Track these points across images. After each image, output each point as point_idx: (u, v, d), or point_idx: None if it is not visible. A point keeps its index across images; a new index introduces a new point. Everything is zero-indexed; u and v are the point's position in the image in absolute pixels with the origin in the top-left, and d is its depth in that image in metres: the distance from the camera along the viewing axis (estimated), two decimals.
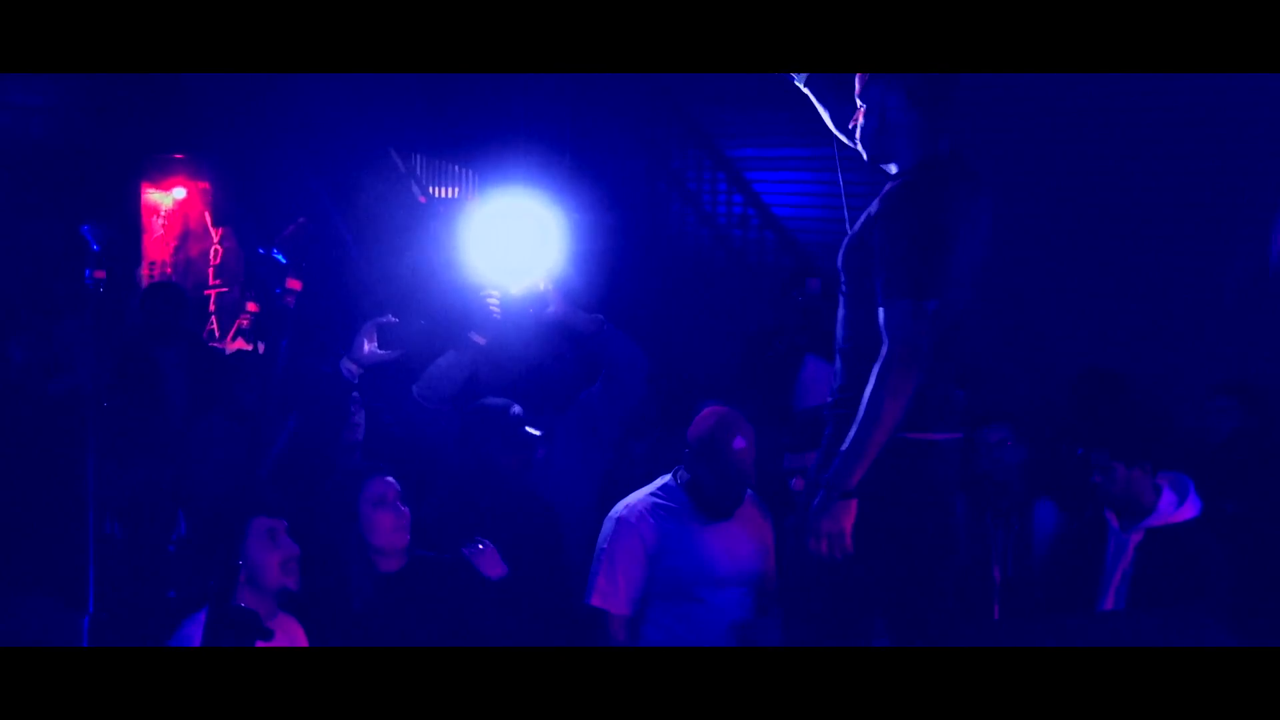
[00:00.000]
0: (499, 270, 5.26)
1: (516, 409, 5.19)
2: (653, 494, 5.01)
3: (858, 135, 4.06)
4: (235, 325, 9.76)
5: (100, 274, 4.07)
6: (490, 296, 5.27)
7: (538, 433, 5.23)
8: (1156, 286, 7.47)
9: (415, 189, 9.68)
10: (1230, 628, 4.84)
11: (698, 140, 9.92)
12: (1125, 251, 7.52)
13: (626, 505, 4.98)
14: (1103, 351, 7.18)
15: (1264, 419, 6.54)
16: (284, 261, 4.29)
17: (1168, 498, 5.33)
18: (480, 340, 5.33)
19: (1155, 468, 5.32)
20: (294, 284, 4.27)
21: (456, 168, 10.01)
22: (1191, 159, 7.40)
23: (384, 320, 5.07)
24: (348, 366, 5.03)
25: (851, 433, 3.75)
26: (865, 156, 4.09)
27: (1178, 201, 7.45)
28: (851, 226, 4.03)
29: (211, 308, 10.19)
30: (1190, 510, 5.31)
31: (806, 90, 4.41)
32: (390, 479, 4.65)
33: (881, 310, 3.77)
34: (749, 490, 5.07)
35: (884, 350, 3.73)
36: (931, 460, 3.91)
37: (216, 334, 10.08)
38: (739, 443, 4.90)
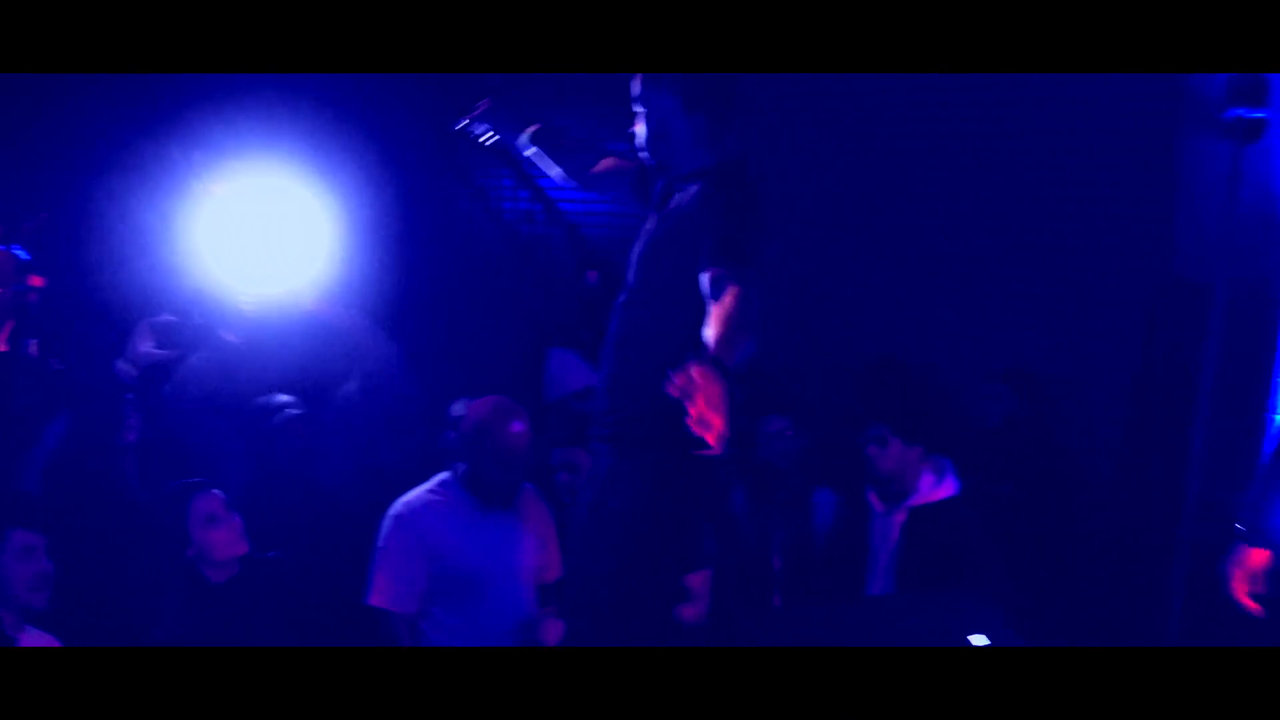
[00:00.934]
0: (253, 265, 5.14)
1: (281, 398, 5.14)
2: (431, 490, 4.97)
3: (637, 141, 4.02)
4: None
5: None
6: (242, 293, 5.16)
7: (298, 411, 5.17)
8: (937, 277, 7.61)
9: (198, 182, 9.44)
10: (1000, 608, 4.96)
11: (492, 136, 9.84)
12: (905, 243, 7.66)
13: (404, 502, 4.94)
14: (886, 341, 7.29)
15: (1035, 406, 6.73)
16: (25, 258, 4.16)
17: (927, 477, 5.42)
18: (232, 339, 5.21)
19: (928, 451, 5.42)
20: (36, 280, 4.14)
21: (239, 160, 9.79)
22: (975, 155, 7.54)
23: (160, 319, 4.94)
24: (123, 368, 4.90)
25: None
26: (648, 163, 4.07)
27: (958, 195, 7.60)
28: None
29: None
30: (947, 489, 5.42)
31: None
32: (215, 491, 4.60)
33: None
34: (528, 484, 5.06)
35: None
36: (713, 471, 3.91)
37: None
38: (516, 426, 4.90)
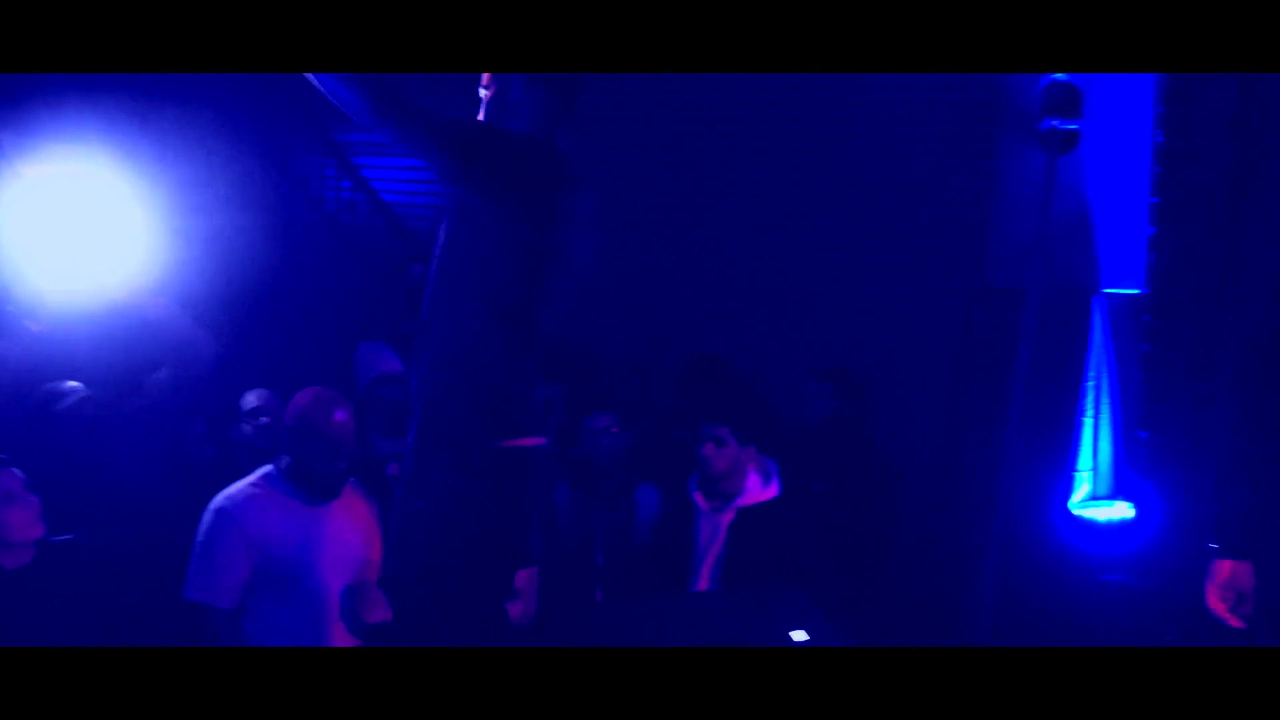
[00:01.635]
0: (61, 254, 4.99)
1: (72, 384, 5.02)
2: (253, 483, 4.89)
3: (481, 109, 3.97)
4: None
5: None
6: (49, 282, 5.00)
7: (85, 394, 5.07)
8: (759, 276, 7.69)
9: (6, 166, 9.18)
10: (822, 605, 5.05)
11: (306, 124, 9.73)
12: (728, 241, 7.73)
13: (226, 495, 4.85)
14: (707, 340, 7.36)
15: (857, 405, 6.85)
16: None
17: (754, 478, 5.50)
18: (37, 328, 5.06)
19: (758, 450, 5.50)
20: None
21: (50, 145, 9.54)
22: (801, 156, 7.63)
23: None
24: None
25: None
26: None
27: (783, 194, 7.69)
28: None
29: None
30: (773, 490, 5.50)
31: None
32: (15, 470, 4.47)
33: None
34: (351, 477, 5.01)
35: None
36: (525, 465, 3.89)
37: None
38: (339, 415, 4.86)
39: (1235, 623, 3.74)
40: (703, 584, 5.38)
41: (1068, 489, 5.60)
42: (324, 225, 9.69)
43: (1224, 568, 3.73)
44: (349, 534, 4.94)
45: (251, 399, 5.98)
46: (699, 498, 5.48)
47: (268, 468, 4.95)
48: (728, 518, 5.38)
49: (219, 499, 4.84)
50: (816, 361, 7.06)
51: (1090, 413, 5.79)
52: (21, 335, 5.11)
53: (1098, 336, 5.84)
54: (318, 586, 4.81)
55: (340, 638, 4.82)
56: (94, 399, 5.16)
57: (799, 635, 4.92)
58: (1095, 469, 5.85)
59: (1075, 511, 5.62)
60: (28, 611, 4.39)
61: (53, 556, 4.54)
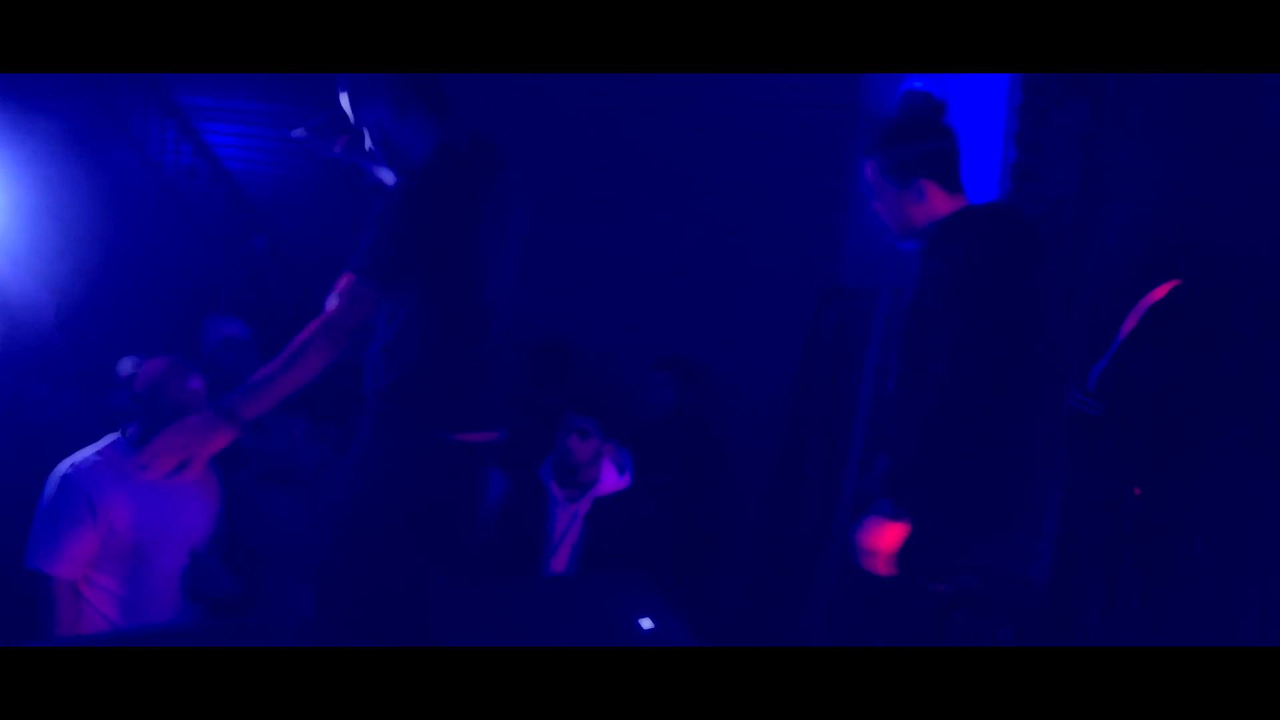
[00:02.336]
0: None
1: None
2: (99, 451, 4.78)
3: (373, 160, 3.99)
4: None
5: None
6: None
7: None
8: (608, 267, 7.71)
9: None
10: (667, 593, 5.11)
11: (147, 84, 9.50)
12: (581, 232, 7.72)
13: (71, 463, 4.73)
14: (553, 328, 7.36)
15: (699, 394, 6.92)
16: None
17: (609, 470, 5.56)
18: None
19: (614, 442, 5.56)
20: None
21: None
22: (658, 147, 7.65)
23: None
24: None
25: (266, 369, 3.71)
26: (391, 175, 4.03)
27: (635, 189, 7.70)
28: None
29: None
30: (627, 480, 5.57)
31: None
32: None
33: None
34: None
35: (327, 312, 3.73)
36: (475, 459, 3.90)
37: None
38: (192, 383, 4.80)
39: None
40: (560, 568, 5.41)
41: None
42: (162, 190, 9.46)
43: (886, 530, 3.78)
44: (194, 505, 4.86)
45: (126, 365, 5.84)
46: (554, 486, 5.51)
47: (114, 435, 4.84)
48: (584, 507, 5.41)
49: (65, 465, 4.72)
50: (660, 351, 7.11)
51: None
52: None
53: None
54: (161, 558, 4.73)
55: (180, 611, 4.76)
56: None
57: (647, 623, 4.99)
58: None
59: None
60: None
61: None
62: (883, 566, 3.77)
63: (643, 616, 5.00)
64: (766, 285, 7.17)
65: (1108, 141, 5.63)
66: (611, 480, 5.53)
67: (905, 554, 3.74)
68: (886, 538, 3.75)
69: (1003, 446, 3.69)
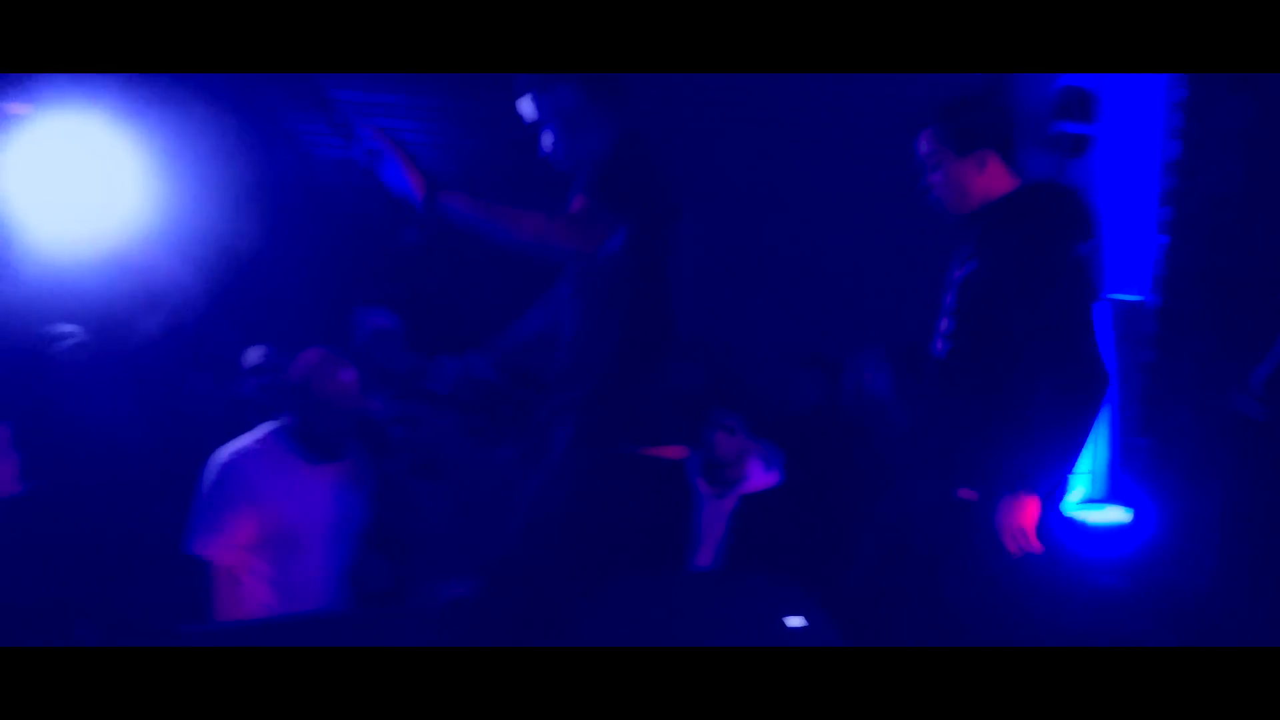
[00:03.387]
0: (55, 198, 4.93)
1: (67, 327, 5.01)
2: (258, 440, 4.86)
3: (551, 155, 3.94)
4: None
5: None
6: (42, 226, 4.94)
7: (82, 339, 5.05)
8: (751, 261, 7.68)
9: None
10: (809, 590, 5.07)
11: (300, 80, 9.63)
12: (723, 227, 7.69)
13: (231, 450, 4.82)
14: (699, 323, 7.33)
15: (844, 393, 6.85)
16: None
17: (756, 467, 5.52)
18: (32, 271, 5.00)
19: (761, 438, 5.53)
20: None
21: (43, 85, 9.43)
22: (791, 149, 7.61)
23: None
24: None
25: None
26: (565, 169, 3.97)
27: (779, 187, 7.67)
28: None
29: None
30: (775, 477, 5.53)
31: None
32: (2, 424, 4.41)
33: None
34: (353, 437, 5.01)
35: None
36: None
37: None
38: (345, 375, 4.86)
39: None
40: (706, 563, 5.40)
41: (1063, 491, 5.61)
42: (314, 184, 9.59)
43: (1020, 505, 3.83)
44: (348, 494, 4.94)
45: (253, 355, 5.94)
46: (701, 483, 5.49)
47: (273, 424, 4.92)
48: (730, 504, 5.39)
49: (224, 453, 4.81)
50: (805, 349, 7.05)
51: None
52: (19, 279, 5.06)
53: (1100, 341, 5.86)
54: (316, 546, 4.81)
55: (336, 597, 4.82)
56: (89, 343, 5.13)
57: (795, 621, 4.95)
58: (1091, 473, 5.87)
59: (1069, 514, 5.65)
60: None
61: (20, 506, 4.49)
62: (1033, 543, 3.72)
63: (790, 615, 4.98)
64: (913, 281, 7.08)
65: (1271, 139, 5.50)
66: (759, 477, 5.50)
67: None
68: (1028, 513, 3.72)
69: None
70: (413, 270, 7.95)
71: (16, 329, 5.29)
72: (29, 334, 5.21)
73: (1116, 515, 5.73)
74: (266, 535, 4.73)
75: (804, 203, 7.54)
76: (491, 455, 5.47)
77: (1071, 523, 5.62)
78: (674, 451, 3.85)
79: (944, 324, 4.03)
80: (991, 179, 3.95)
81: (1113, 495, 5.84)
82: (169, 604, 4.72)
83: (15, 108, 5.18)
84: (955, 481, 3.98)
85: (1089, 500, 5.84)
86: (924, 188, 4.07)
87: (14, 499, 4.44)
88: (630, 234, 3.67)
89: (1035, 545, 3.78)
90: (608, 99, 3.87)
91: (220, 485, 4.74)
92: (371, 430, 5.44)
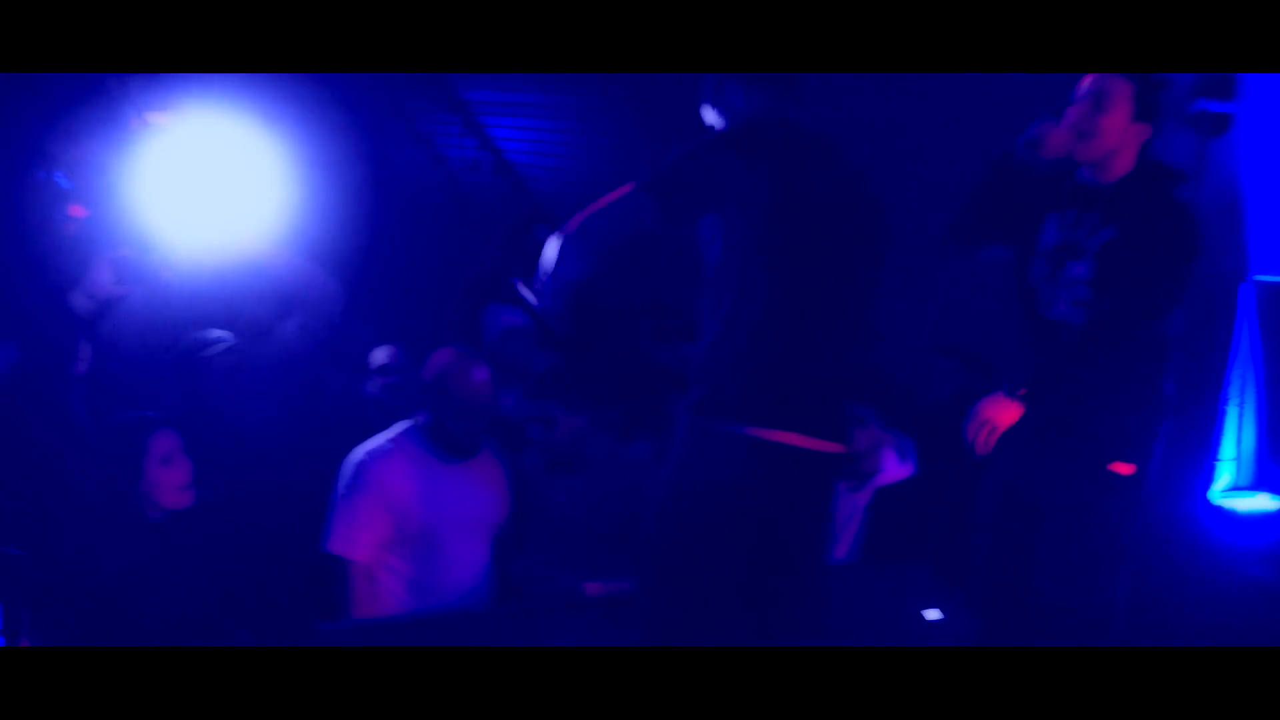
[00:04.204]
0: (192, 203, 5.00)
1: (218, 333, 5.10)
2: (392, 439, 4.92)
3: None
4: None
5: None
6: (181, 231, 5.01)
7: (232, 342, 5.14)
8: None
9: (131, 112, 9.25)
10: (949, 582, 5.01)
11: (432, 80, 9.73)
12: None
13: (366, 450, 4.88)
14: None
15: (984, 382, 6.75)
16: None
17: (891, 458, 5.46)
18: (169, 277, 5.08)
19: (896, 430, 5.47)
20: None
21: (178, 91, 9.61)
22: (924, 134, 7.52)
23: (117, 253, 4.81)
24: (79, 300, 4.75)
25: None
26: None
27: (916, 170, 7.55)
28: None
29: None
30: (909, 469, 5.47)
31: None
32: (174, 432, 4.51)
33: None
34: (487, 436, 5.04)
35: None
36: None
37: None
38: (478, 374, 4.88)
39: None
40: (842, 555, 5.35)
41: (1209, 478, 5.49)
42: (447, 183, 9.69)
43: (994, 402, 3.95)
44: (484, 492, 4.97)
45: (380, 355, 6.00)
46: None
47: (406, 424, 4.97)
48: (865, 497, 5.34)
49: (359, 453, 4.86)
50: (941, 339, 6.96)
51: (1235, 401, 5.67)
52: (157, 285, 5.15)
53: (1245, 324, 5.72)
54: (452, 543, 4.84)
55: (473, 595, 4.85)
56: (236, 349, 5.22)
57: (932, 614, 4.90)
58: (1238, 459, 5.73)
59: (1216, 501, 5.52)
60: (164, 563, 4.43)
61: (192, 511, 4.58)
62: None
63: (928, 607, 4.93)
64: None
65: None
66: (894, 469, 5.44)
67: None
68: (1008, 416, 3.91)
69: None
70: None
71: (164, 336, 5.39)
72: (179, 340, 5.30)
73: (1264, 503, 5.59)
74: (402, 534, 4.78)
75: (945, 186, 7.43)
76: (626, 451, 5.47)
77: (1218, 510, 5.49)
78: (814, 444, 3.68)
79: (1075, 292, 3.96)
80: (1138, 153, 4.01)
81: (1260, 482, 5.70)
82: (311, 602, 4.80)
83: (152, 115, 5.27)
84: (1093, 453, 3.94)
85: (1235, 487, 5.70)
86: (1033, 137, 4.00)
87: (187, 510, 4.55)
88: (748, 225, 3.62)
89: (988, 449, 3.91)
90: (772, 92, 3.81)
91: (355, 485, 4.80)
92: (505, 428, 5.47)
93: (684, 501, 3.68)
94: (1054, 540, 4.05)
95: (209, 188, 4.95)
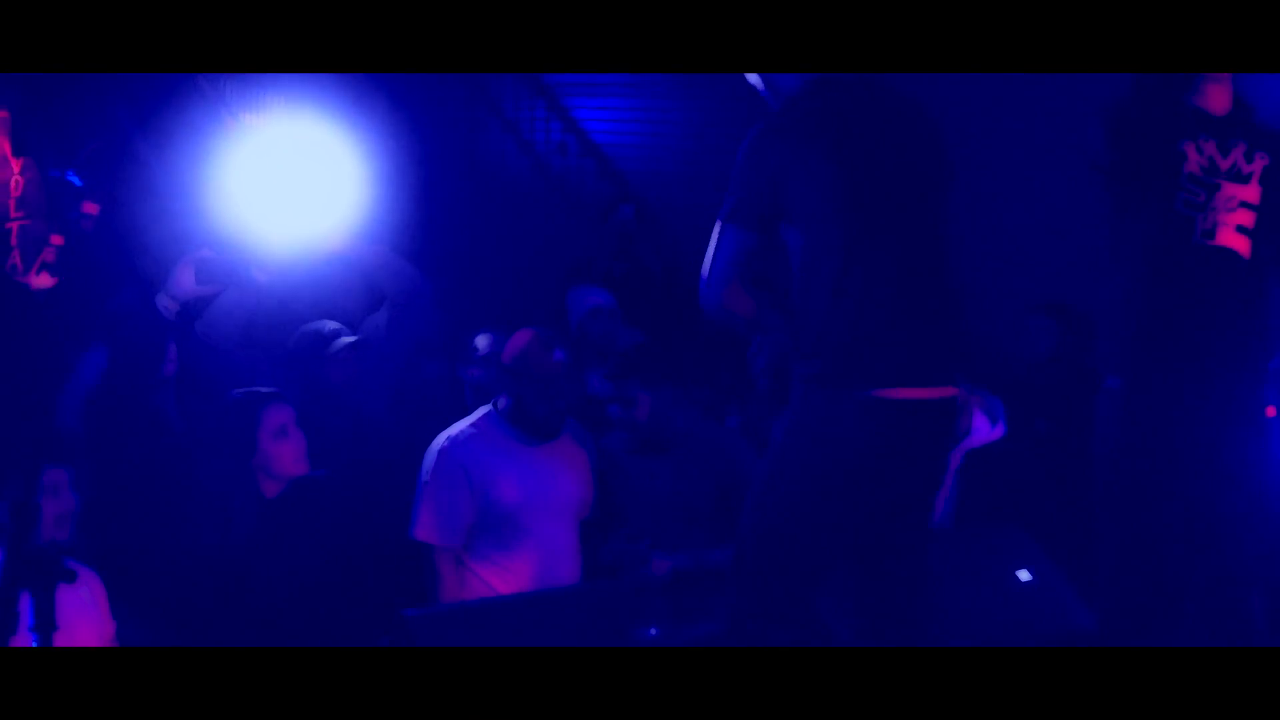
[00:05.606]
0: (282, 202, 5.05)
1: (332, 325, 5.16)
2: (474, 424, 4.94)
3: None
4: (39, 259, 9.39)
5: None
6: (271, 230, 5.06)
7: (352, 338, 5.22)
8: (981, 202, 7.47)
9: (224, 113, 9.39)
10: (1044, 544, 4.95)
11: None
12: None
13: (448, 436, 4.91)
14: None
15: (1080, 340, 6.65)
16: (79, 184, 4.11)
17: (980, 420, 5.39)
18: (262, 277, 5.14)
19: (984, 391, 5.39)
20: (90, 208, 4.09)
21: (270, 91, 9.74)
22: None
23: (203, 254, 4.88)
24: (164, 303, 4.83)
25: None
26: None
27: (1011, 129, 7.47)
28: None
29: (14, 241, 9.76)
30: (1000, 431, 5.39)
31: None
32: (287, 405, 4.67)
33: None
34: (570, 417, 5.04)
35: None
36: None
37: (20, 268, 9.68)
38: (558, 355, 4.89)
39: None
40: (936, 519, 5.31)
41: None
42: (535, 169, 9.72)
43: None
44: (567, 474, 4.98)
45: (483, 342, 6.02)
46: None
47: (487, 408, 4.99)
48: (956, 460, 5.28)
49: (441, 439, 4.90)
50: (1036, 296, 6.86)
51: None
52: (248, 284, 5.23)
53: None
54: (539, 526, 4.86)
55: (563, 576, 4.87)
56: (358, 342, 5.31)
57: (1024, 575, 4.84)
58: None
59: None
60: (279, 539, 4.58)
61: (304, 490, 4.70)
62: None
63: (1020, 568, 4.87)
64: None
65: None
66: (984, 431, 5.36)
67: None
68: None
69: None
70: (631, 245, 7.96)
71: (246, 332, 5.48)
72: (292, 333, 5.40)
73: None
74: (488, 518, 4.80)
75: (1042, 142, 7.31)
76: (716, 428, 5.45)
77: None
78: (920, 392, 3.68)
79: (1239, 216, 3.90)
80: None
81: None
82: (402, 589, 4.85)
83: (243, 115, 5.35)
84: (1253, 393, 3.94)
85: None
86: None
87: (304, 480, 4.68)
88: (823, 201, 3.61)
89: None
90: None
91: (439, 471, 4.83)
92: (589, 408, 5.48)
93: (812, 469, 3.64)
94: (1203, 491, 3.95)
95: (297, 186, 5.01)
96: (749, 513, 3.74)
